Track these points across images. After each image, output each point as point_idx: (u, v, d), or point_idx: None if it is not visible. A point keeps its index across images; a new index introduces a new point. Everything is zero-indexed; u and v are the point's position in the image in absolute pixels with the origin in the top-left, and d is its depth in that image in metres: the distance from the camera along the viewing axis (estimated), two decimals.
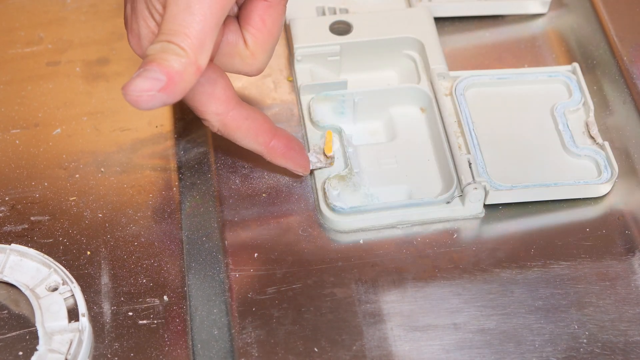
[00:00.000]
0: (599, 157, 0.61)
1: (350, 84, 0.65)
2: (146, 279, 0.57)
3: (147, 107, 0.49)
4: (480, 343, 0.55)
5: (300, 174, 0.61)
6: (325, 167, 0.61)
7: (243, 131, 0.57)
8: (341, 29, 0.66)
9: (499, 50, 0.69)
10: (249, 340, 0.55)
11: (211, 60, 0.56)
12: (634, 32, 0.67)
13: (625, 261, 0.58)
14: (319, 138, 0.62)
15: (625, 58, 0.66)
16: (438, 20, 0.69)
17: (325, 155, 0.61)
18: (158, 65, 0.49)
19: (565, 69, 0.65)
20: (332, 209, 0.59)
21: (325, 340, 0.55)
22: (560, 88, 0.65)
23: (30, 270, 0.57)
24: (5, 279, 0.56)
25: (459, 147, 0.61)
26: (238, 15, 0.56)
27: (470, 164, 0.60)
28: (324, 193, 0.60)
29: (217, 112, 0.56)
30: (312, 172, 0.61)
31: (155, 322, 0.55)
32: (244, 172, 0.62)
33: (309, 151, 0.62)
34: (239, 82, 0.66)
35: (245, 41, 0.56)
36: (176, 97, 0.50)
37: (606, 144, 0.61)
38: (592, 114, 0.63)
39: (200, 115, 0.56)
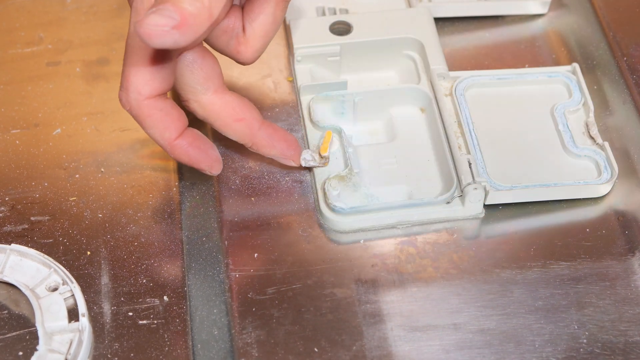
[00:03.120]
0: (598, 158, 0.61)
1: (350, 84, 0.65)
2: (146, 279, 0.57)
3: (159, 43, 0.50)
4: (480, 343, 0.55)
5: (290, 164, 0.61)
6: (318, 166, 0.61)
7: (223, 117, 0.58)
8: (341, 29, 0.66)
9: (499, 51, 0.69)
10: (249, 340, 0.55)
11: (204, 43, 0.57)
12: (634, 32, 0.67)
13: (625, 261, 0.58)
14: (319, 138, 0.62)
15: (625, 58, 0.66)
16: (438, 20, 0.69)
17: (320, 155, 0.61)
18: (172, 5, 0.50)
19: (565, 69, 0.65)
20: (332, 209, 0.59)
21: (325, 340, 0.55)
22: (560, 88, 0.65)
23: (30, 270, 0.57)
24: (5, 279, 0.56)
25: (459, 148, 0.61)
26: (244, 5, 0.57)
27: (470, 164, 0.60)
28: (324, 193, 0.60)
29: (195, 92, 0.57)
30: (309, 169, 0.61)
31: (155, 322, 0.55)
32: (244, 172, 0.62)
33: (307, 149, 0.62)
34: (239, 82, 0.66)
35: (244, 29, 0.56)
36: (187, 40, 0.50)
37: (606, 144, 0.61)
38: (592, 114, 0.63)
39: (181, 94, 0.57)
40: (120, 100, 0.55)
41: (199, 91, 0.57)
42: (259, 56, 0.58)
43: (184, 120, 0.57)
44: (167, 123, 0.55)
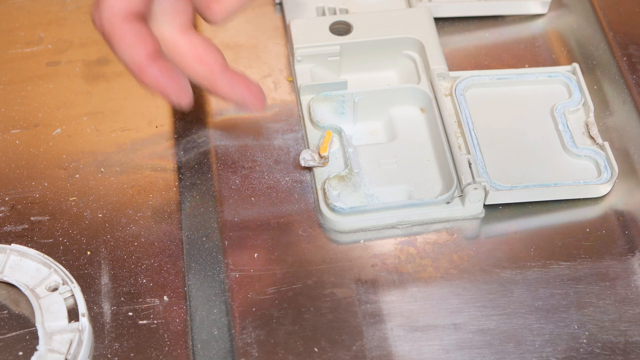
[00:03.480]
0: (598, 158, 0.61)
1: (350, 84, 0.65)
2: (146, 279, 0.57)
3: None
4: (480, 343, 0.55)
5: (254, 113, 0.60)
6: (318, 166, 0.61)
7: (185, 58, 0.56)
8: (341, 29, 0.66)
9: (499, 51, 0.69)
10: (249, 340, 0.55)
11: None
12: (634, 32, 0.67)
13: (625, 261, 0.58)
14: (319, 138, 0.62)
15: (625, 58, 0.66)
16: (438, 20, 0.69)
17: (319, 154, 0.61)
18: None
19: (565, 69, 0.65)
20: (332, 209, 0.59)
21: (325, 340, 0.55)
22: (560, 88, 0.65)
23: (30, 270, 0.57)
24: (5, 279, 0.56)
25: (459, 147, 0.61)
26: None
27: (470, 164, 0.60)
28: (324, 193, 0.60)
29: (159, 25, 0.56)
30: (309, 169, 0.61)
31: (155, 322, 0.55)
32: (244, 172, 0.62)
33: (306, 148, 0.62)
34: None
35: None
36: None
37: (606, 144, 0.61)
38: (592, 114, 0.63)
39: None
40: (93, 21, 0.53)
41: (163, 24, 0.55)
42: (227, 20, 0.56)
43: (158, 45, 0.55)
44: (138, 44, 0.53)
